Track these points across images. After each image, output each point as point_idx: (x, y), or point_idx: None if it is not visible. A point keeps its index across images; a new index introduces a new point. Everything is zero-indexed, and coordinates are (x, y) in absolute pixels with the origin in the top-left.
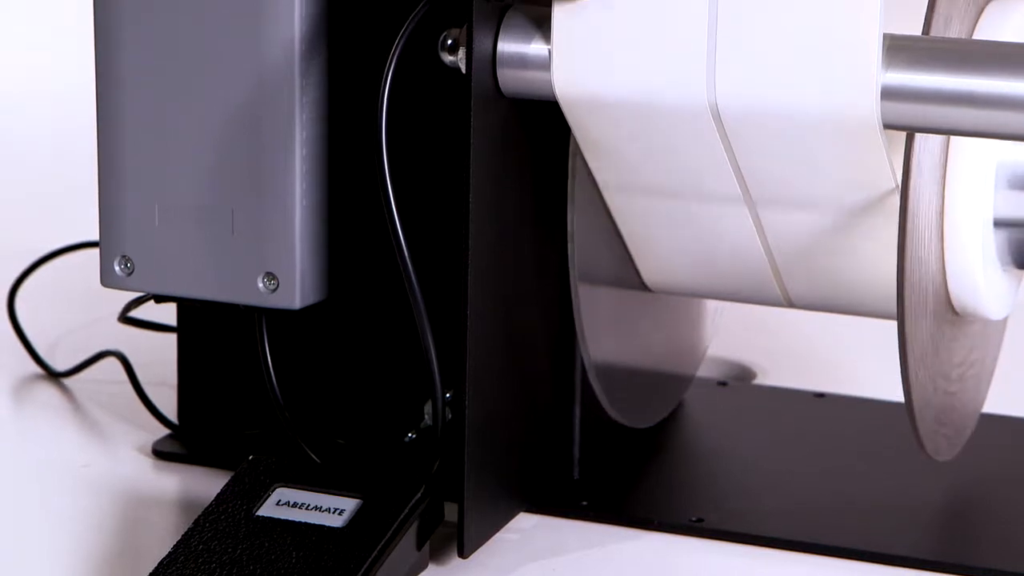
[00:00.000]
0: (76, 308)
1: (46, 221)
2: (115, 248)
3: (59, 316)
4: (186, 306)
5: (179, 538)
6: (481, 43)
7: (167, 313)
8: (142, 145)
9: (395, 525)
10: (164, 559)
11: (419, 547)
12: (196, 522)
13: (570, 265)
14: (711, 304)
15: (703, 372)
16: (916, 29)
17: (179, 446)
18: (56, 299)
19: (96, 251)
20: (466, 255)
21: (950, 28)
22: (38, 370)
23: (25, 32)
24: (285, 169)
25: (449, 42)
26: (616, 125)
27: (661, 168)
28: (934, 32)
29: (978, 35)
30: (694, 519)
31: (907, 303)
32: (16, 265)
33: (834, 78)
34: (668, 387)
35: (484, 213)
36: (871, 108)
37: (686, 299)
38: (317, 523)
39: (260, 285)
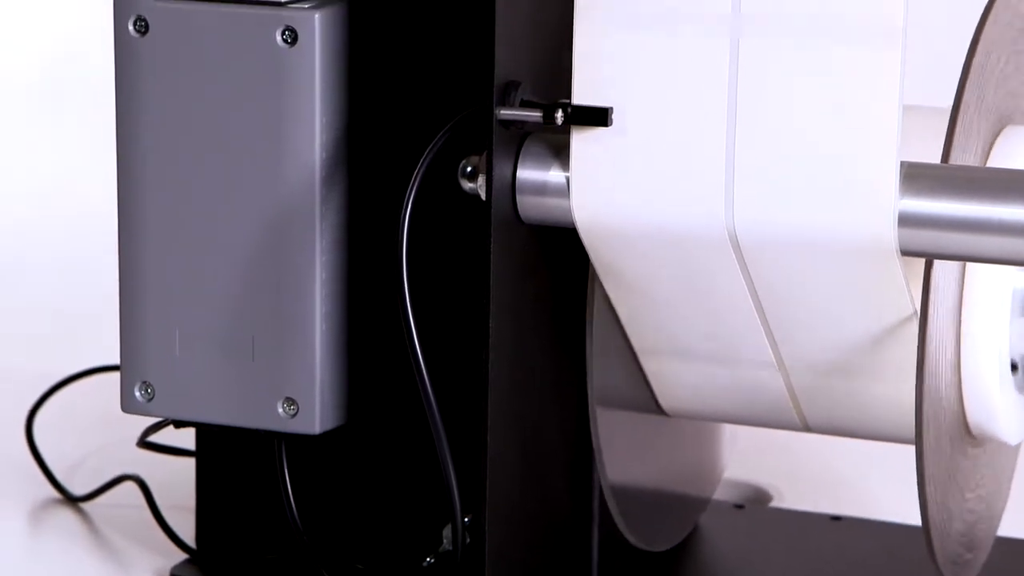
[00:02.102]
0: (94, 432)
1: (64, 346)
2: (136, 374)
3: (77, 440)
4: (205, 430)
5: None
6: (501, 170)
7: (186, 437)
8: (163, 272)
9: None
10: None
11: None
12: None
13: (588, 390)
14: (727, 426)
15: (719, 495)
16: (930, 156)
17: (197, 571)
18: (74, 423)
19: (113, 375)
20: (486, 380)
21: (967, 155)
22: (56, 494)
23: (46, 156)
24: (305, 294)
25: (469, 169)
26: (634, 252)
27: (678, 294)
28: (952, 159)
29: (992, 161)
30: None
31: (925, 428)
32: (35, 389)
33: (852, 205)
34: (685, 510)
35: (504, 338)
36: (889, 235)
37: (703, 422)
38: None
39: (280, 410)
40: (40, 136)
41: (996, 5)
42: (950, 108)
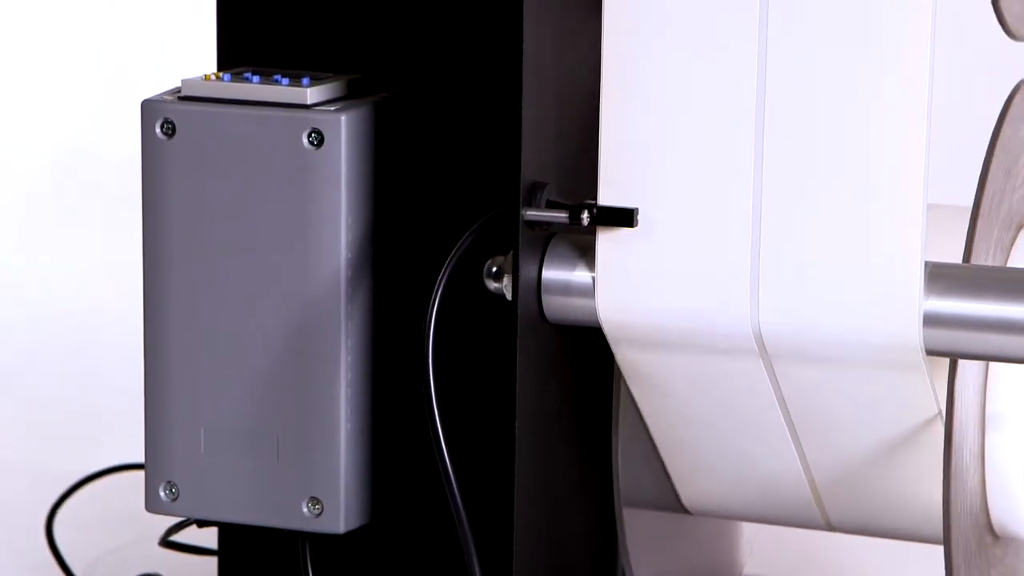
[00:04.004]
0: (115, 531)
1: (85, 444)
2: (160, 474)
3: (98, 539)
4: (228, 529)
5: None
6: (527, 270)
7: (208, 536)
8: (189, 372)
9: None
10: None
11: None
12: None
13: (615, 489)
14: (747, 523)
15: None
16: (950, 255)
17: None
18: (95, 522)
19: (134, 473)
20: (512, 478)
21: (988, 254)
22: None
23: (64, 251)
24: (330, 394)
25: (494, 269)
26: (659, 351)
27: (703, 393)
28: (974, 259)
29: (1014, 260)
30: None
31: (952, 528)
32: (56, 487)
33: (877, 306)
34: None
35: (529, 436)
36: (914, 335)
37: (725, 520)
38: None
39: (304, 510)
40: (59, 232)
41: (1015, 101)
42: (970, 207)
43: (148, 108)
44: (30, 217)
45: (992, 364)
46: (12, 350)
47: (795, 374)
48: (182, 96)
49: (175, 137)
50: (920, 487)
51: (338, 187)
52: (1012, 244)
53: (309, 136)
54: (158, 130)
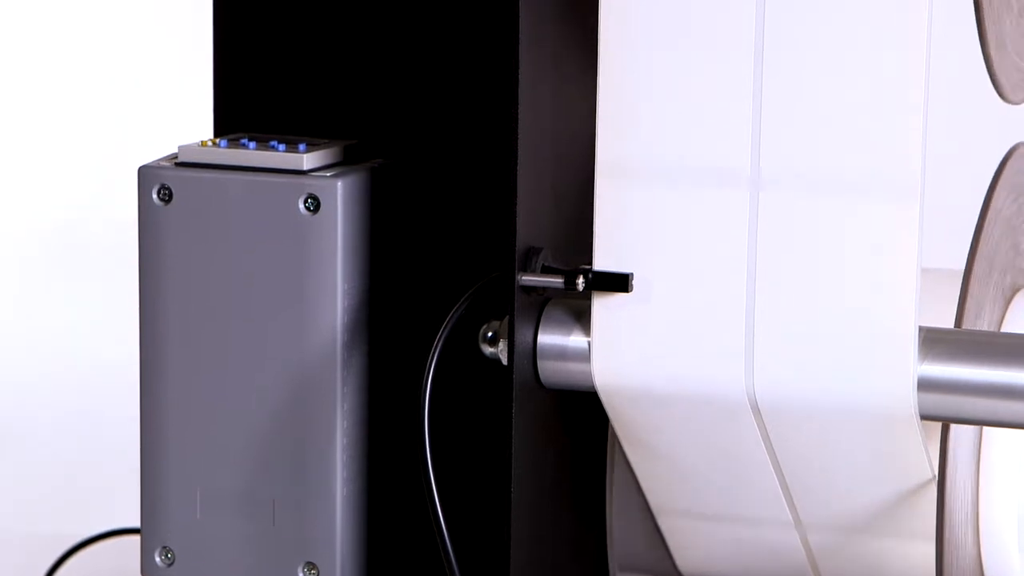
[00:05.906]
0: None
1: (81, 508)
2: (156, 539)
3: None
4: None
5: None
6: (522, 335)
7: None
8: (185, 437)
9: None
10: None
11: None
12: None
13: (609, 553)
14: None
15: None
16: (943, 320)
17: None
18: None
19: (130, 537)
20: (507, 544)
21: (981, 319)
22: None
23: (64, 315)
24: (325, 458)
25: (490, 334)
26: (654, 416)
27: (698, 457)
28: (966, 323)
29: (1008, 324)
30: None
31: None
32: (51, 552)
33: (871, 370)
34: None
35: (525, 500)
36: (908, 400)
37: None
38: None
39: (300, 574)
40: (57, 296)
41: (1009, 164)
42: (963, 271)
43: (145, 174)
44: (28, 281)
45: (985, 427)
46: (9, 413)
47: (790, 438)
48: (179, 162)
49: (172, 203)
50: (915, 551)
51: (334, 252)
52: (1005, 309)
53: (305, 201)
54: (155, 196)
